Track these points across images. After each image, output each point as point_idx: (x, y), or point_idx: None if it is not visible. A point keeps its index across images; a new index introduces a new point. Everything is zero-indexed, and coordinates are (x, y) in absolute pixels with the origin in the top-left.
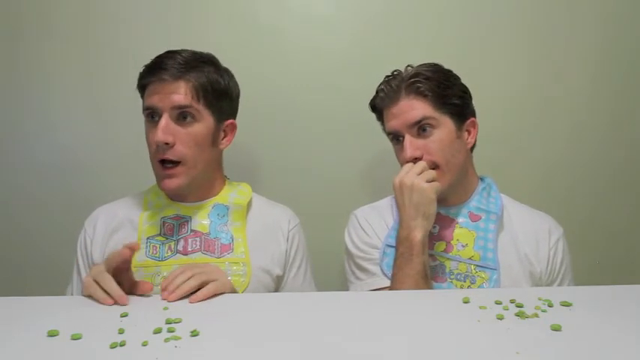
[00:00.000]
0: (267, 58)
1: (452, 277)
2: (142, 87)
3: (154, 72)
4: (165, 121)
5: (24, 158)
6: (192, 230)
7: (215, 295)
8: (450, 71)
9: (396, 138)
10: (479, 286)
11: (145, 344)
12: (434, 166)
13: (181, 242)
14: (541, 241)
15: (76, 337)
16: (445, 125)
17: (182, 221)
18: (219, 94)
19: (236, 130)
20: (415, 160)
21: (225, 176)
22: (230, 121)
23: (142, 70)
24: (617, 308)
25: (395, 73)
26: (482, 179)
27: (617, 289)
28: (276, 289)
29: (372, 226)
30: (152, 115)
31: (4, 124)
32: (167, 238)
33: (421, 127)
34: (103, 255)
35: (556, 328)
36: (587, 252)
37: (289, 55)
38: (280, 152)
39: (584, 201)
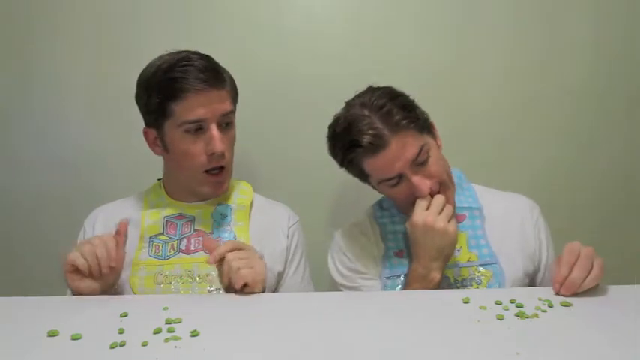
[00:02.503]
0: (267, 58)
1: (457, 285)
2: (167, 101)
3: (187, 84)
4: (216, 131)
5: (24, 158)
6: (195, 230)
7: (246, 287)
8: (397, 90)
9: (396, 182)
10: (486, 285)
11: (145, 344)
12: (439, 187)
13: (184, 241)
14: (525, 220)
15: (76, 337)
16: (430, 144)
17: (185, 220)
18: (237, 91)
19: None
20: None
21: None
22: None
23: (159, 83)
24: (617, 308)
25: (356, 115)
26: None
27: (617, 289)
28: (277, 286)
29: (354, 249)
30: (195, 129)
31: (4, 123)
32: (170, 237)
33: (421, 160)
34: None
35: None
36: None
37: (289, 55)
38: (280, 152)
39: (583, 201)
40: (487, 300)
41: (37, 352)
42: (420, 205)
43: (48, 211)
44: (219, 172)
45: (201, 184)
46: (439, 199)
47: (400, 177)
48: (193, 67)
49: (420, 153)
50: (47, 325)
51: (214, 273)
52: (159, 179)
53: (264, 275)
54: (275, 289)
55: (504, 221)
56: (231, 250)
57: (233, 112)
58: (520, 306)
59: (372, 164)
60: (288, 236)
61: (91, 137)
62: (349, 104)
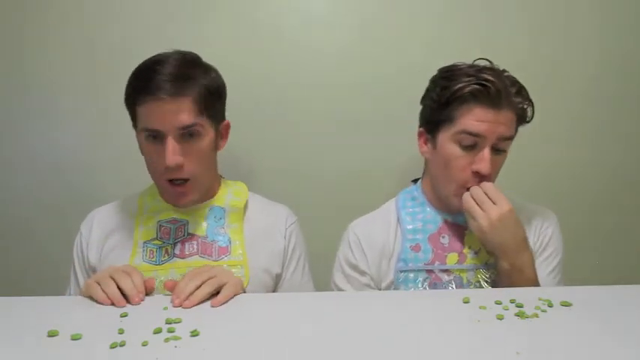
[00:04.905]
0: (266, 58)
1: (471, 286)
2: (133, 104)
3: (148, 90)
4: (172, 144)
5: (24, 158)
6: (189, 234)
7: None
8: None
9: (470, 143)
10: None
11: (145, 344)
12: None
13: (178, 246)
14: (535, 227)
15: (76, 337)
16: (509, 148)
17: (179, 225)
18: (215, 99)
19: (230, 128)
20: (479, 174)
21: (220, 175)
22: (225, 121)
23: (130, 84)
24: (617, 308)
25: (489, 67)
26: None
27: (617, 289)
28: (275, 288)
29: (363, 246)
30: (153, 136)
31: (4, 123)
32: (164, 242)
33: (501, 145)
34: (100, 257)
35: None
36: (587, 252)
37: (288, 55)
38: (280, 152)
39: (583, 201)
40: (487, 300)
41: (37, 352)
42: (474, 209)
43: (40, 216)
44: (182, 183)
45: (164, 191)
46: (479, 194)
47: (476, 144)
48: (159, 73)
49: (507, 138)
50: (47, 325)
51: None
52: None
53: (239, 280)
54: (274, 291)
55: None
56: (191, 280)
57: (197, 124)
58: (520, 306)
59: (473, 111)
60: (285, 237)
61: (82, 141)
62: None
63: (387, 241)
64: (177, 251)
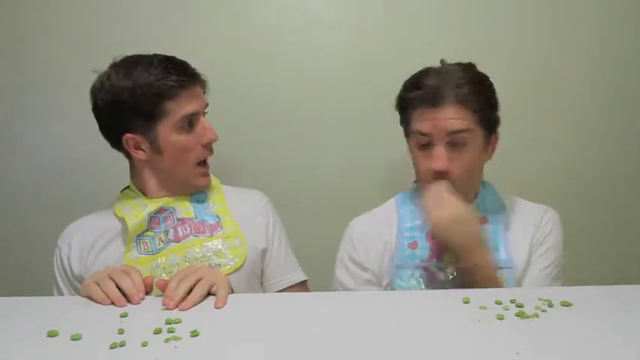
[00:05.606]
0: (266, 58)
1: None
2: (165, 97)
3: (182, 80)
4: (207, 121)
5: (24, 158)
6: (178, 219)
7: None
8: (489, 80)
9: (424, 142)
10: None
11: (144, 344)
12: (453, 182)
13: (171, 232)
14: (535, 224)
15: (76, 337)
16: (478, 140)
17: (167, 213)
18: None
19: None
20: (440, 174)
21: None
22: None
23: (155, 81)
24: (617, 308)
25: (435, 69)
26: (482, 183)
27: (617, 289)
28: (263, 263)
29: (366, 242)
30: (190, 122)
31: (4, 123)
32: (155, 232)
33: (456, 139)
34: (85, 266)
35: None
36: (587, 252)
37: (288, 55)
38: (280, 152)
39: (584, 201)
40: (487, 300)
41: (37, 352)
42: (426, 213)
43: (40, 216)
44: (205, 163)
45: (194, 177)
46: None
47: (429, 142)
48: (174, 65)
49: (460, 132)
50: (47, 325)
51: (209, 253)
52: (122, 190)
53: (226, 278)
54: (262, 266)
55: (524, 231)
56: (182, 282)
57: None
58: (520, 306)
59: (417, 113)
60: (264, 215)
61: (82, 141)
62: (442, 62)
63: (388, 237)
64: (171, 237)
